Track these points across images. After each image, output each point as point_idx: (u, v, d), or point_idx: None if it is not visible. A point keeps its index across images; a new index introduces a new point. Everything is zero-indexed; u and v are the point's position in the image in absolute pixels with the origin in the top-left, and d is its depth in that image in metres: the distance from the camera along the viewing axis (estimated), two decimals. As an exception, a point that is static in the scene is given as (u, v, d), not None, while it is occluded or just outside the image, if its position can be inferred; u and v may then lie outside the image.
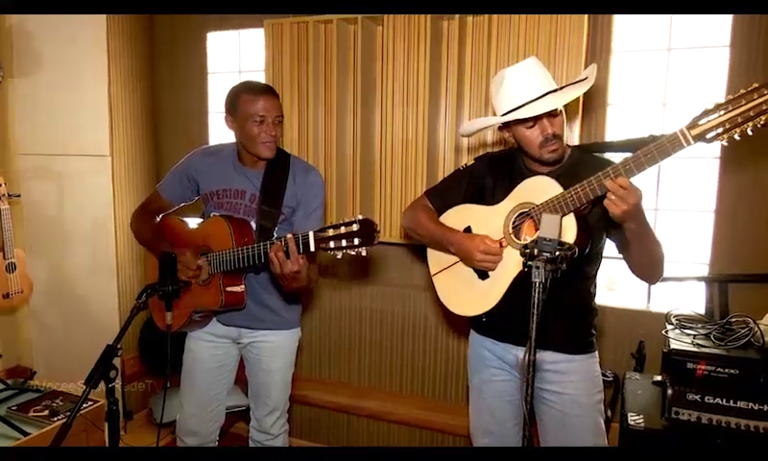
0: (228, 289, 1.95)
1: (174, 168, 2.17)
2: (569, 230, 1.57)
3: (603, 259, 1.82)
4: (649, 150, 1.45)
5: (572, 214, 1.58)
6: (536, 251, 1.28)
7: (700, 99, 2.43)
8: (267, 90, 1.96)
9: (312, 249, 1.66)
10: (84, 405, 1.98)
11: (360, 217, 1.61)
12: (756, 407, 1.87)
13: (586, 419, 1.77)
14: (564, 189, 1.60)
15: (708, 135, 1.39)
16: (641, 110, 2.55)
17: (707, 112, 1.39)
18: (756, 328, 2.00)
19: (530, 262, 1.26)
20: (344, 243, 1.61)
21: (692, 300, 2.35)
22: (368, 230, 1.60)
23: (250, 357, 2.18)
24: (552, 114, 1.64)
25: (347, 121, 2.77)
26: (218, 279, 1.95)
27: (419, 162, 2.61)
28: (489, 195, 1.82)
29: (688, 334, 2.08)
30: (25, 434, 2.44)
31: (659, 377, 2.24)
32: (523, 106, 1.63)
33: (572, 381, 1.76)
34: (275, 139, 1.96)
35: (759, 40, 2.26)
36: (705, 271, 2.44)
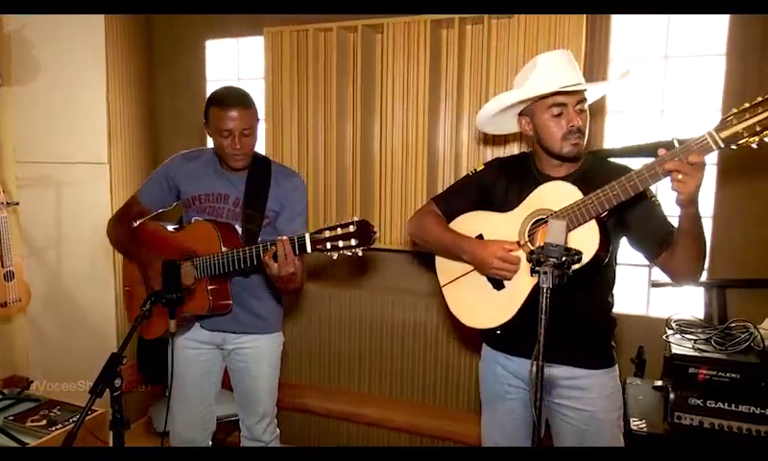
0: (215, 293, 1.94)
1: (153, 173, 2.16)
2: (592, 238, 1.52)
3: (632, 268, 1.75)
4: (675, 153, 1.40)
5: (594, 221, 1.53)
6: (542, 257, 1.28)
7: (697, 106, 2.46)
8: (235, 102, 1.90)
9: (309, 250, 1.67)
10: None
11: (356, 218, 1.62)
12: (757, 411, 1.88)
13: (604, 436, 1.69)
14: (583, 194, 1.54)
15: (739, 138, 1.35)
16: (639, 118, 2.57)
17: (736, 115, 1.36)
18: (757, 333, 2.02)
19: (537, 268, 1.27)
20: (340, 244, 1.62)
21: (691, 305, 2.37)
22: (364, 232, 1.61)
23: (235, 365, 2.16)
24: (580, 108, 1.60)
25: (346, 128, 2.78)
26: (205, 283, 1.94)
27: (418, 169, 2.63)
28: (500, 201, 1.75)
29: (689, 339, 2.10)
30: (23, 444, 2.41)
31: (659, 382, 2.25)
32: (565, 87, 1.57)
33: (591, 398, 1.68)
34: (242, 152, 1.94)
35: (755, 49, 2.30)
36: (703, 276, 2.46)
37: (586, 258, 1.51)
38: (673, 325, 2.22)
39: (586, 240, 1.52)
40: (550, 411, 1.76)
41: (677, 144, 1.42)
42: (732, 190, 2.39)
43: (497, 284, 1.71)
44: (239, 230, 2.00)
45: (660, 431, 1.98)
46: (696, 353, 1.99)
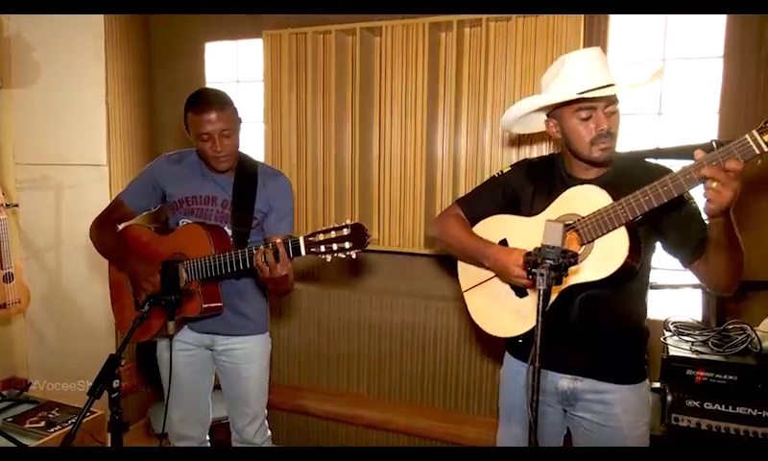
0: (207, 296, 1.95)
1: (137, 176, 2.15)
2: (621, 246, 1.44)
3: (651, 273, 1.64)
4: (713, 157, 1.30)
5: (624, 227, 1.45)
6: (539, 259, 1.28)
7: (695, 109, 2.47)
8: (211, 105, 1.87)
9: (303, 253, 1.67)
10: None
11: (349, 221, 1.63)
12: (754, 413, 1.88)
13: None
14: (612, 199, 1.46)
15: None
16: (637, 121, 2.58)
17: None
18: (754, 335, 2.02)
19: (534, 270, 1.27)
20: (334, 247, 1.62)
21: (688, 307, 2.37)
22: (359, 235, 1.61)
23: (225, 367, 2.16)
24: (610, 110, 1.50)
25: (345, 131, 2.79)
26: (196, 286, 1.94)
27: (417, 172, 2.63)
28: (526, 205, 1.67)
29: (687, 341, 2.10)
30: (21, 446, 2.41)
31: (657, 384, 2.26)
32: (588, 91, 1.48)
33: (615, 414, 1.59)
34: (225, 153, 1.91)
35: (752, 51, 2.30)
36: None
37: (614, 267, 1.45)
38: (671, 327, 2.22)
39: (614, 248, 1.46)
40: (573, 423, 1.71)
41: (715, 147, 1.32)
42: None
43: (520, 292, 1.65)
44: (229, 232, 2.00)
45: (657, 433, 1.98)
46: (694, 355, 2.00)
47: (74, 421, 1.59)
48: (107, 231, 2.14)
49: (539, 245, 1.52)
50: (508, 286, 1.66)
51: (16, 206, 3.10)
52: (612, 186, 1.50)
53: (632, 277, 1.53)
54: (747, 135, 1.27)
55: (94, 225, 2.16)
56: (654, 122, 2.56)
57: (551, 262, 1.26)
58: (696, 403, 1.95)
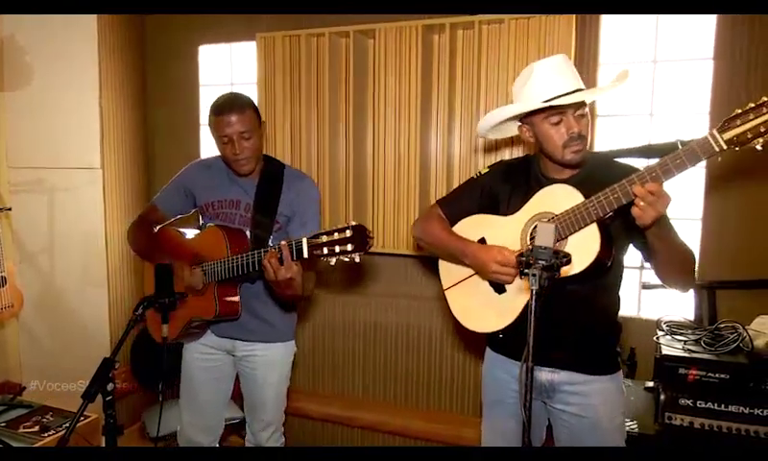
0: (223, 299, 1.95)
1: (171, 181, 2.17)
2: (593, 241, 1.50)
3: (624, 269, 1.73)
4: (677, 155, 1.37)
5: (595, 224, 1.51)
6: (531, 259, 1.29)
7: (686, 109, 2.49)
8: (229, 108, 1.89)
9: (305, 255, 1.66)
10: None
11: (353, 223, 1.61)
12: (746, 411, 1.90)
13: (605, 443, 1.67)
14: (584, 197, 1.53)
15: (743, 140, 1.32)
16: (629, 121, 2.60)
17: (738, 115, 1.33)
18: (745, 334, 2.04)
19: (526, 270, 1.28)
20: (337, 249, 1.60)
21: (681, 306, 2.39)
22: (360, 236, 1.59)
23: (245, 372, 2.16)
24: (580, 113, 1.57)
25: (339, 134, 2.80)
26: (213, 288, 1.94)
27: (411, 174, 2.64)
28: (504, 205, 1.74)
29: (679, 340, 2.12)
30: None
31: (650, 383, 2.27)
32: (556, 98, 1.55)
33: (593, 404, 1.66)
34: (245, 156, 1.93)
35: (742, 52, 2.33)
36: (693, 278, 2.48)
37: (586, 262, 1.50)
38: (664, 326, 2.24)
39: (586, 244, 1.51)
40: (553, 416, 1.75)
41: (680, 146, 1.40)
42: (722, 192, 2.42)
43: (499, 288, 1.71)
44: (249, 235, 2.00)
45: (651, 432, 2.00)
46: (686, 354, 2.01)
47: (68, 425, 1.59)
48: (141, 233, 2.19)
49: (516, 243, 1.61)
50: (487, 283, 1.73)
51: (9, 209, 3.09)
52: (583, 185, 1.56)
53: (605, 272, 1.58)
54: (708, 134, 1.35)
55: (130, 227, 2.22)
56: (645, 123, 2.58)
57: (544, 263, 1.27)
58: (689, 402, 1.96)
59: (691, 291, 2.34)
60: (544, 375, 1.69)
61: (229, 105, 1.90)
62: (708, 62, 2.40)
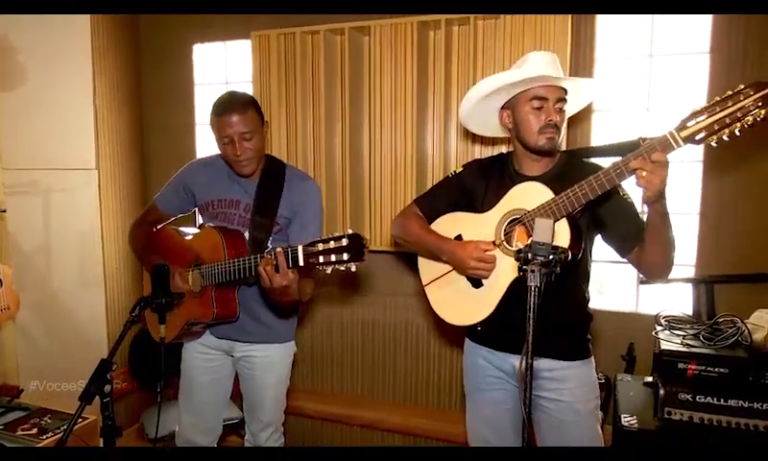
0: (221, 301, 1.93)
1: (171, 179, 2.15)
2: (563, 235, 1.57)
3: (593, 263, 1.82)
4: (639, 153, 1.46)
5: (565, 219, 1.58)
6: (530, 255, 1.29)
7: (682, 104, 2.48)
8: (230, 108, 1.85)
9: (301, 263, 1.62)
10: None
11: (349, 232, 1.57)
12: (746, 405, 1.90)
13: (582, 426, 1.76)
14: (555, 194, 1.60)
15: (697, 137, 1.40)
16: (626, 116, 2.60)
17: (695, 114, 1.41)
18: (744, 327, 2.03)
19: (525, 267, 1.28)
20: (333, 258, 1.56)
21: (679, 301, 2.39)
22: (356, 245, 1.56)
23: (243, 372, 2.15)
24: (560, 107, 1.67)
25: (335, 132, 2.79)
26: (210, 290, 1.93)
27: (407, 171, 2.63)
28: (479, 202, 1.81)
29: (678, 335, 2.11)
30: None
31: (649, 378, 2.27)
32: (547, 77, 1.65)
33: (568, 388, 1.75)
34: (247, 157, 1.89)
35: (738, 46, 2.32)
36: (690, 272, 2.48)
37: None
38: (662, 321, 2.23)
39: (557, 238, 1.55)
40: (533, 403, 1.77)
41: (641, 143, 1.48)
42: (719, 186, 2.42)
43: (476, 283, 1.77)
44: (247, 237, 1.97)
45: (650, 427, 1.99)
46: (685, 349, 2.00)
47: (66, 427, 1.58)
48: (139, 233, 2.19)
49: (491, 238, 1.69)
50: (465, 278, 1.79)
51: (4, 211, 3.07)
52: (554, 183, 1.64)
53: (575, 264, 1.64)
54: (667, 133, 1.44)
55: (131, 227, 2.23)
56: (642, 117, 2.58)
57: (542, 259, 1.27)
58: (688, 397, 1.96)
59: (689, 286, 2.34)
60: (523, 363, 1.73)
61: (230, 104, 1.87)
62: (705, 56, 2.40)
